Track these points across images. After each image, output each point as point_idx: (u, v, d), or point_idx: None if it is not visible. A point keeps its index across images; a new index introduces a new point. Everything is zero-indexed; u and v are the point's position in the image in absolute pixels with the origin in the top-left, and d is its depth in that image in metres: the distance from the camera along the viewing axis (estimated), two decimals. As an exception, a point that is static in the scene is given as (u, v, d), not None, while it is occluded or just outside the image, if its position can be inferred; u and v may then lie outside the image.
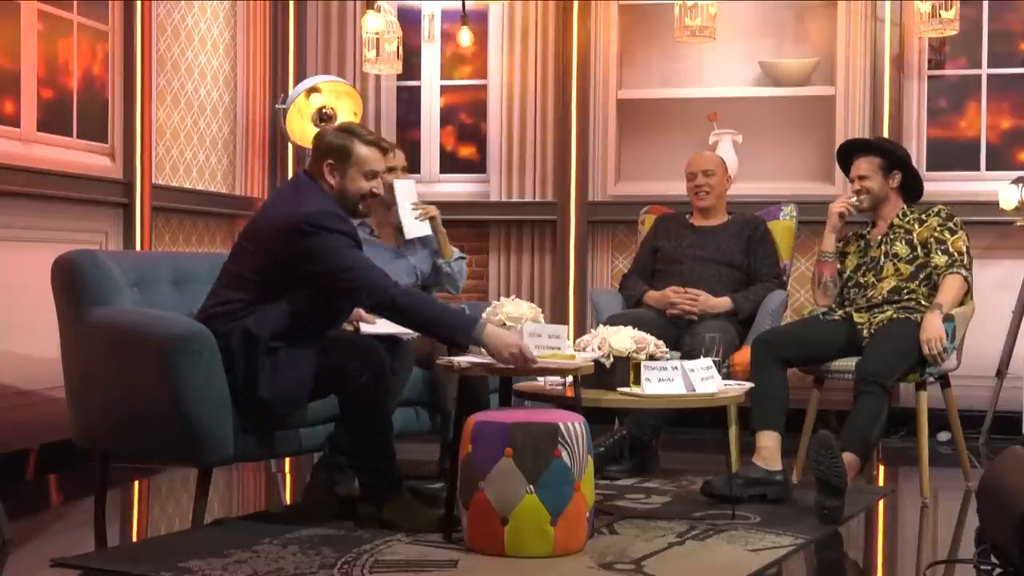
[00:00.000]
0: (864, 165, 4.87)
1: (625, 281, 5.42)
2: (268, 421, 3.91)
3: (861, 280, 4.85)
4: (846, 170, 4.99)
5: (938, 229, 4.76)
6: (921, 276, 4.74)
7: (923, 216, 4.82)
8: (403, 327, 3.93)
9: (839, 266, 4.94)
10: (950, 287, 4.65)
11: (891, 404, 4.61)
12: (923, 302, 4.68)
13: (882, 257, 4.82)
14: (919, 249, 4.77)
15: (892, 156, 4.87)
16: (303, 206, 3.79)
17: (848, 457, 4.29)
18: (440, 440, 4.62)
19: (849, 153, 4.97)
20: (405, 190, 4.73)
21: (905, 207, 4.88)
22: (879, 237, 4.87)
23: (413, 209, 4.72)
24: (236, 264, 3.93)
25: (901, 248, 4.79)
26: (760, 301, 5.12)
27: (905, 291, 4.73)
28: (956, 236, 4.74)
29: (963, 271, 4.67)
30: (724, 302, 5.10)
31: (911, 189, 4.91)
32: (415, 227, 4.76)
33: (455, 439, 3.77)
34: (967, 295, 4.81)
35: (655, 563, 3.50)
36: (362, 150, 3.90)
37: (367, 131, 3.99)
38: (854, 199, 4.89)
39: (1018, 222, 6.04)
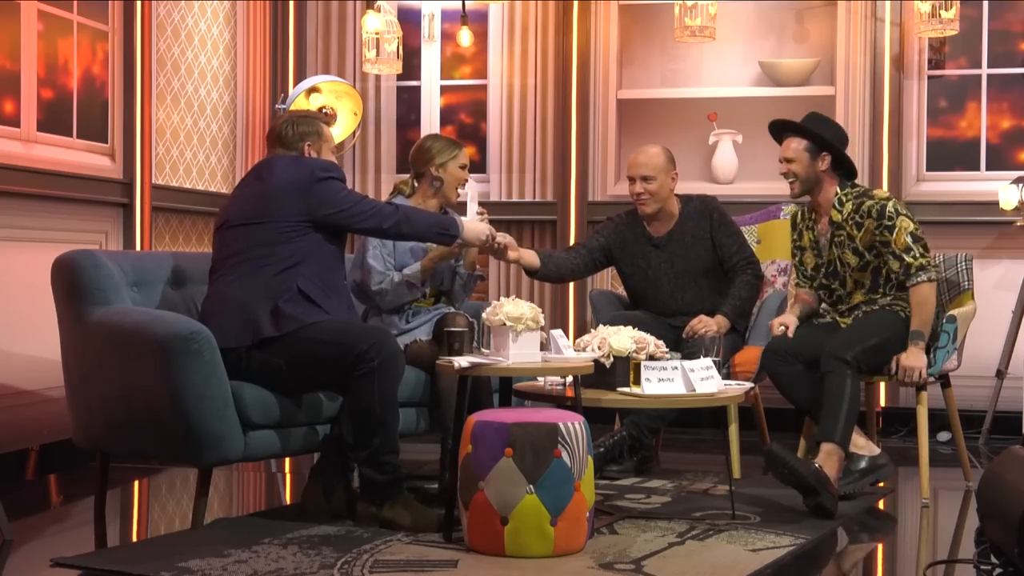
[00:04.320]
0: (791, 146, 4.63)
1: (566, 250, 5.28)
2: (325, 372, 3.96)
3: (825, 283, 4.72)
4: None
5: (877, 232, 4.51)
6: (881, 282, 4.60)
7: (859, 217, 4.54)
8: (413, 238, 4.35)
9: (802, 264, 4.79)
10: (918, 304, 4.49)
11: (864, 377, 4.52)
12: (903, 304, 4.58)
13: (837, 263, 4.64)
14: (866, 254, 4.57)
15: (818, 139, 4.60)
16: (309, 163, 4.13)
17: (827, 448, 4.29)
18: (440, 452, 4.56)
19: (780, 131, 4.75)
20: (476, 191, 4.66)
21: (840, 192, 4.61)
22: (826, 239, 4.66)
23: (478, 213, 4.66)
24: (243, 242, 4.02)
25: (850, 258, 4.60)
26: (745, 300, 5.00)
27: (879, 299, 4.61)
28: (896, 231, 4.48)
29: (921, 276, 4.46)
30: (724, 323, 4.93)
31: (847, 170, 4.67)
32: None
33: (455, 440, 3.77)
34: (964, 292, 4.81)
35: (655, 563, 3.50)
36: (325, 129, 4.29)
37: (317, 113, 4.47)
38: (784, 320, 4.66)
39: (1018, 222, 6.04)
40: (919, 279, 4.49)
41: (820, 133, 4.62)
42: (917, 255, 4.49)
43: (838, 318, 4.70)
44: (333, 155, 4.28)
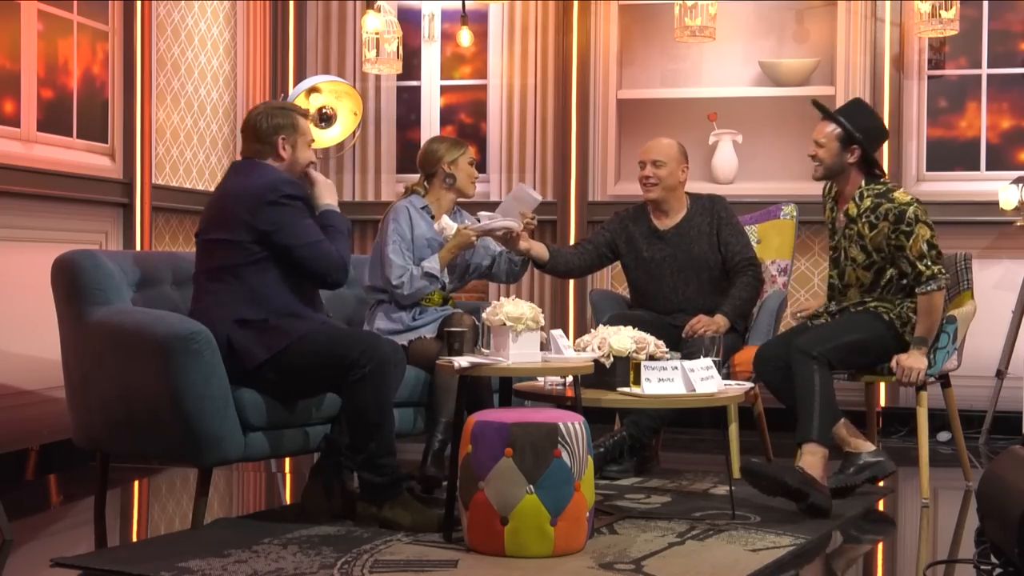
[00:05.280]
0: (825, 130, 4.58)
1: (573, 246, 5.36)
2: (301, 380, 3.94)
3: (829, 270, 4.75)
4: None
5: (892, 236, 4.46)
6: (881, 284, 4.58)
7: (874, 218, 4.50)
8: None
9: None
10: (925, 310, 4.45)
11: (832, 368, 4.45)
12: (888, 306, 4.56)
13: (842, 256, 4.63)
14: (874, 255, 4.54)
15: (848, 133, 4.54)
16: (262, 179, 3.96)
17: (808, 448, 4.29)
18: (425, 445, 4.52)
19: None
20: (532, 198, 4.78)
21: (864, 187, 4.56)
22: (840, 225, 4.64)
23: (523, 217, 4.78)
24: (210, 260, 3.98)
25: (856, 253, 4.57)
26: (745, 301, 5.01)
27: (869, 302, 4.59)
28: (913, 238, 4.43)
29: (931, 285, 4.42)
30: (724, 322, 4.94)
31: (875, 169, 4.63)
32: (503, 219, 4.70)
33: (455, 439, 3.77)
34: (964, 292, 4.81)
35: (655, 563, 3.50)
36: (302, 122, 4.11)
37: (295, 105, 4.24)
38: (804, 311, 4.82)
39: (1018, 222, 6.04)
40: (929, 287, 4.45)
41: (853, 126, 4.53)
42: (930, 263, 4.45)
43: (829, 320, 4.69)
44: (310, 150, 4.12)
